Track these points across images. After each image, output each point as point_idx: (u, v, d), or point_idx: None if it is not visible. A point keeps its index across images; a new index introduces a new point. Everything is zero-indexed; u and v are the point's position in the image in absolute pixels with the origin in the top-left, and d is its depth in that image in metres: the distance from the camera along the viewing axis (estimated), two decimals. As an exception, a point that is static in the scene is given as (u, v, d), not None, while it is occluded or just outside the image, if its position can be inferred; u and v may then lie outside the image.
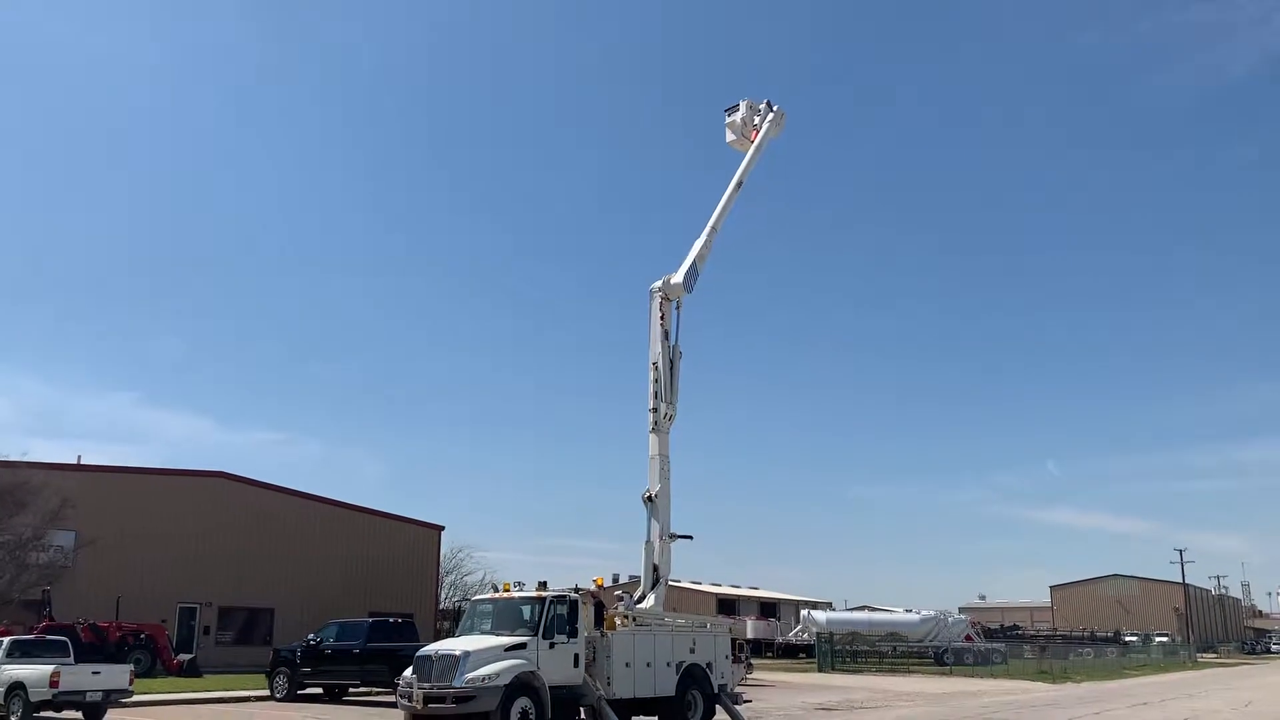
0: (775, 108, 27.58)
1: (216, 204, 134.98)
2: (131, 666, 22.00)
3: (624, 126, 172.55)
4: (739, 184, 26.13)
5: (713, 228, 24.98)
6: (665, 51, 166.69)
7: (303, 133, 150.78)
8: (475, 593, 51.32)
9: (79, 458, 42.04)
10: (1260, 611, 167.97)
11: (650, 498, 21.44)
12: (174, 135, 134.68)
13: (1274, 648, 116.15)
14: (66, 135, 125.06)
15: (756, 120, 27.35)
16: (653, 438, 21.96)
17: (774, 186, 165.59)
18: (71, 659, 21.14)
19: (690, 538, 22.00)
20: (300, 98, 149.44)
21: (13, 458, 33.56)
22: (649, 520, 21.42)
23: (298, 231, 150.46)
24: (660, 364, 22.37)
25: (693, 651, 20.12)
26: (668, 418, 22.13)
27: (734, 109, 27.51)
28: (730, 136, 27.50)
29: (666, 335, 22.77)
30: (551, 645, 17.34)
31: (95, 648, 30.19)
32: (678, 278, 23.25)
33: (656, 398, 22.16)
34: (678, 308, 23.27)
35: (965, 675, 47.80)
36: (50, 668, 19.32)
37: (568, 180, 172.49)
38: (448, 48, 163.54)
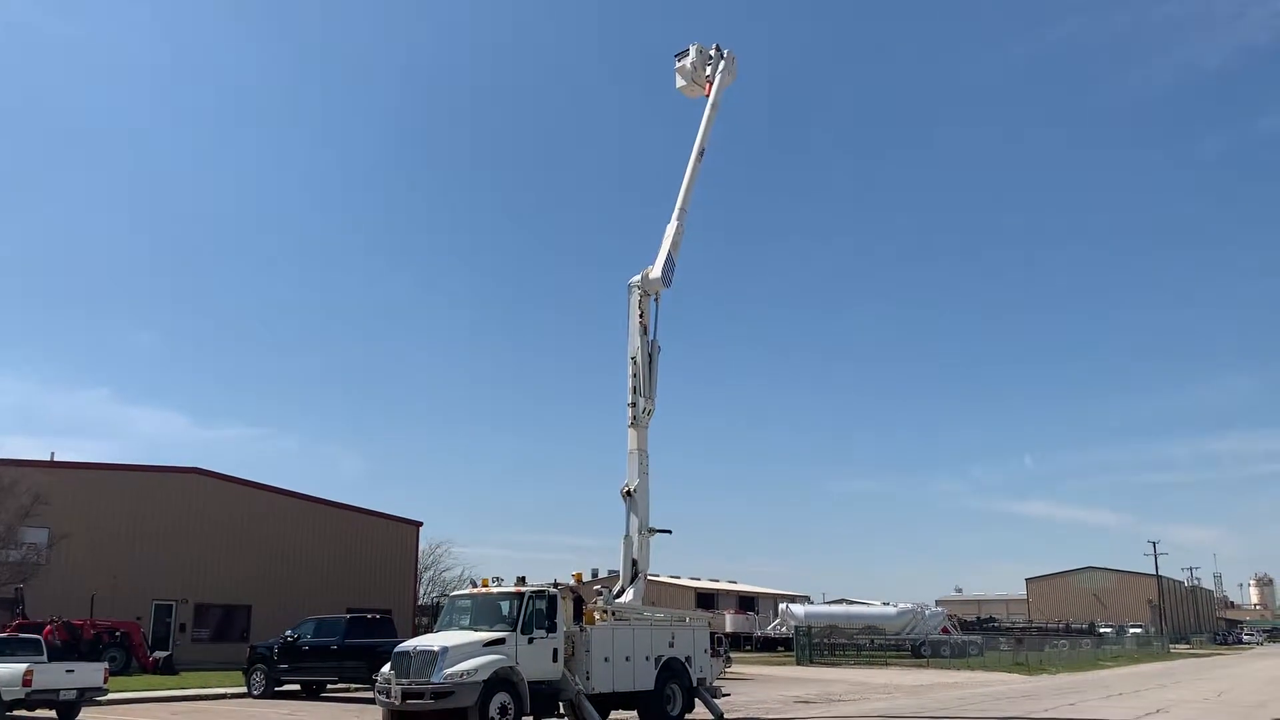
0: (725, 52, 26.82)
1: (191, 200, 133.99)
2: (106, 665, 21.80)
3: (607, 123, 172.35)
4: (700, 152, 25.55)
5: (681, 208, 24.64)
6: (646, 49, 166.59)
7: (280, 130, 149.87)
8: (454, 588, 51.28)
9: (52, 454, 41.67)
10: (1232, 603, 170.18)
11: (629, 492, 21.41)
12: (150, 133, 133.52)
13: (1245, 638, 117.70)
14: (41, 131, 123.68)
15: (709, 70, 26.57)
16: (631, 433, 21.93)
17: (755, 185, 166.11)
18: (45, 657, 20.91)
19: (669, 532, 22.01)
20: (276, 95, 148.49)
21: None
22: (628, 515, 21.39)
23: (273, 227, 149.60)
24: (639, 359, 22.33)
25: (672, 646, 20.13)
26: (646, 413, 22.09)
27: (683, 54, 26.74)
28: (680, 82, 26.72)
29: (645, 330, 22.70)
30: (530, 640, 17.30)
31: (69, 646, 29.90)
32: (655, 272, 23.18)
33: (635, 393, 22.11)
34: (656, 301, 23.24)
35: (942, 667, 48.12)
36: (23, 666, 19.10)
37: (547, 174, 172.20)
38: (429, 48, 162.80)
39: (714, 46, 26.96)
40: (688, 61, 26.57)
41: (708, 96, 26.43)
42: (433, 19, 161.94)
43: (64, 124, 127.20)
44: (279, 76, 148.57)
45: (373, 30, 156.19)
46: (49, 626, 31.24)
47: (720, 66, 26.62)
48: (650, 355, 22.60)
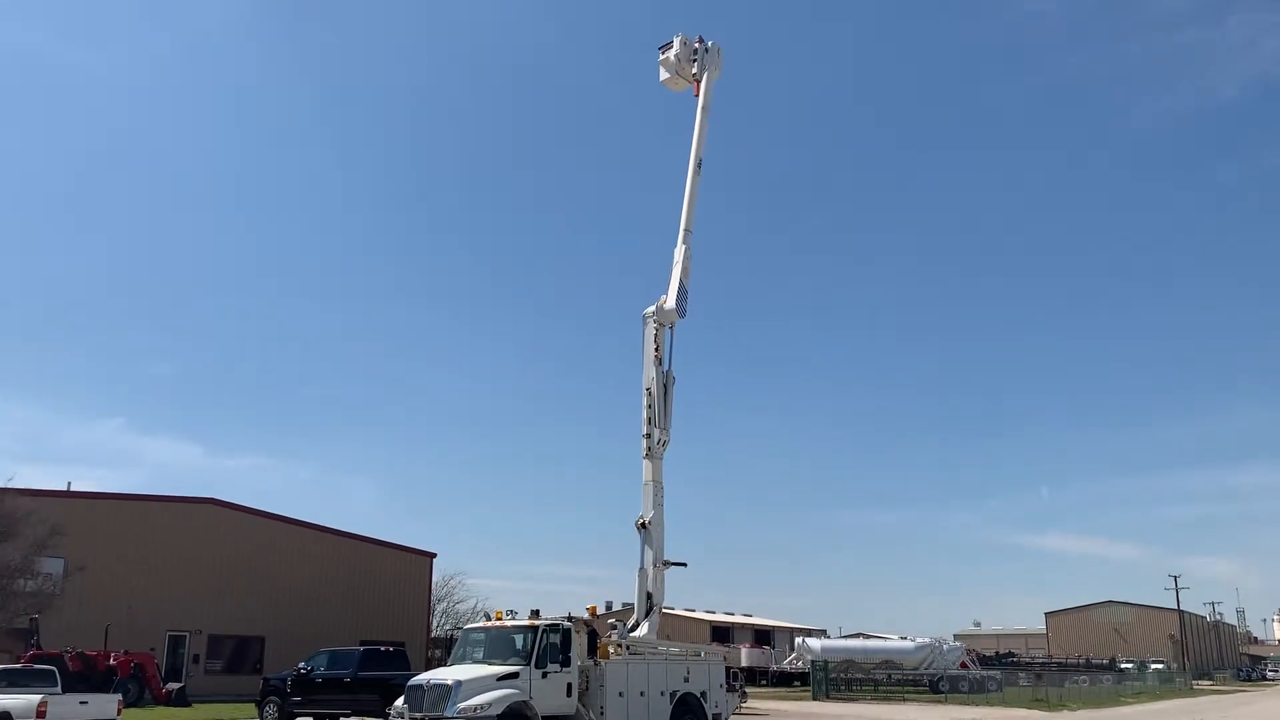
0: (710, 44, 26.39)
1: (205, 228, 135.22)
2: (119, 696, 21.78)
3: (623, 149, 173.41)
4: (698, 163, 25.16)
5: (686, 229, 24.43)
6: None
7: (290, 157, 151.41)
8: (467, 621, 51.09)
9: (69, 484, 41.79)
10: (1255, 638, 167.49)
11: (644, 524, 21.32)
12: (162, 160, 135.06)
13: (1270, 674, 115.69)
14: (52, 157, 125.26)
15: (694, 70, 26.08)
16: (646, 464, 21.86)
17: (771, 216, 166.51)
18: (59, 688, 20.91)
19: (684, 565, 21.91)
20: (290, 125, 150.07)
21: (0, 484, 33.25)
22: (643, 547, 21.31)
23: (287, 255, 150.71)
24: (654, 389, 22.30)
25: (687, 680, 19.98)
26: (661, 444, 22.04)
27: (668, 46, 26.25)
28: (664, 75, 26.26)
29: (660, 361, 22.69)
30: (544, 674, 17.20)
31: (83, 677, 29.84)
32: (670, 303, 23.19)
33: (650, 423, 22.07)
34: (671, 331, 23.23)
35: (960, 703, 47.48)
36: (37, 697, 19.12)
37: (561, 201, 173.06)
38: (440, 69, 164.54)
39: (698, 39, 26.40)
40: (671, 54, 26.07)
41: (696, 96, 25.86)
42: (445, 39, 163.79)
43: (76, 148, 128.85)
44: (294, 103, 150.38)
45: (387, 54, 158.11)
46: (119, 657, 31.32)
47: (707, 71, 26.08)
48: (665, 386, 22.58)
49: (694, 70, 26.21)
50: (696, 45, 26.37)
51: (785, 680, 66.03)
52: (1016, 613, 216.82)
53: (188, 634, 40.13)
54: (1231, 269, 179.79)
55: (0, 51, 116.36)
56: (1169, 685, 73.51)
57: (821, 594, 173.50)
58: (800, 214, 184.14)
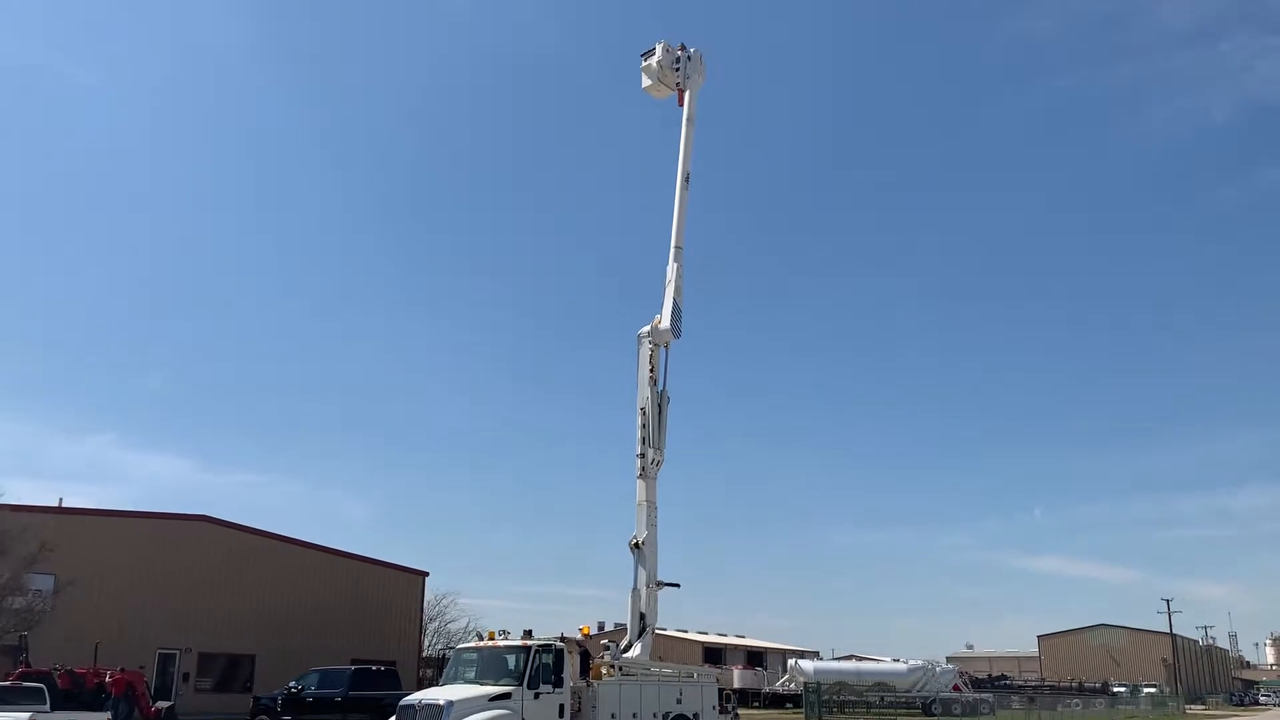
0: (693, 50, 26.28)
1: (196, 243, 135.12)
2: (109, 715, 21.66)
3: (625, 150, 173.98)
4: (685, 178, 25.09)
5: (677, 246, 24.49)
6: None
7: (284, 173, 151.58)
8: (459, 640, 50.81)
9: (60, 500, 41.59)
10: (1248, 662, 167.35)
11: (638, 545, 21.34)
12: (154, 172, 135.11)
13: (1262, 699, 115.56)
14: (41, 171, 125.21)
15: (678, 77, 26.00)
16: (640, 484, 21.90)
17: (764, 232, 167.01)
18: (48, 706, 20.81)
19: (678, 585, 21.92)
20: (286, 128, 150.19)
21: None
22: (636, 567, 21.32)
23: (280, 270, 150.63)
24: (648, 409, 22.36)
25: (679, 702, 19.95)
26: (655, 464, 22.07)
27: (650, 53, 26.12)
28: (646, 81, 26.19)
29: (654, 381, 22.75)
30: (536, 695, 17.18)
31: (72, 695, 29.62)
32: (665, 323, 23.27)
33: (644, 443, 22.12)
34: (666, 351, 23.29)
35: (953, 726, 47.39)
36: (26, 715, 19.03)
37: (561, 206, 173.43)
38: (440, 69, 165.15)
39: (679, 46, 26.38)
40: (654, 60, 25.95)
41: (680, 106, 25.85)
42: (446, 39, 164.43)
43: (67, 161, 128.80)
44: (291, 105, 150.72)
45: (387, 54, 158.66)
46: (115, 675, 30.76)
47: (691, 78, 26.01)
48: (660, 406, 22.62)
49: (677, 78, 26.18)
50: (679, 52, 26.31)
51: (778, 702, 65.78)
52: (1009, 635, 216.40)
53: (178, 652, 39.86)
54: (1225, 291, 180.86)
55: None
56: (1161, 709, 73.34)
57: (814, 615, 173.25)
58: (794, 230, 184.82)
